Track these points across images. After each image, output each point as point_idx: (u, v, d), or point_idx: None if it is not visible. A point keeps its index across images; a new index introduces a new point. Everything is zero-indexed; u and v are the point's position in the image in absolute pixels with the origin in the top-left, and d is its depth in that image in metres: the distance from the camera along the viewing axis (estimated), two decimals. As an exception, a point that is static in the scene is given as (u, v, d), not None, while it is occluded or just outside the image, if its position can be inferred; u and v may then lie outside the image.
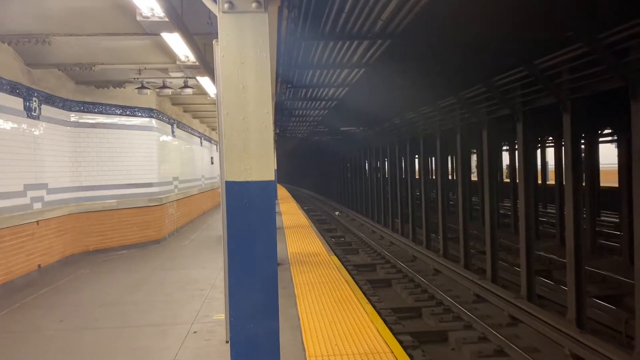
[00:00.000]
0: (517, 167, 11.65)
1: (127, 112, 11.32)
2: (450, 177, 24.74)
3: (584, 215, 12.22)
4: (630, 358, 6.76)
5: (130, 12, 6.10)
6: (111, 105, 11.01)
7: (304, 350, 4.85)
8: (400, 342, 7.05)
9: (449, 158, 25.13)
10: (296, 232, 13.45)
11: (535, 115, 10.11)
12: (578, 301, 8.27)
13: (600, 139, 17.16)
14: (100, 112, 10.83)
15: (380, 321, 5.70)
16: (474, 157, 26.79)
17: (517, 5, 6.10)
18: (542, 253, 13.83)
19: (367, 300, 6.59)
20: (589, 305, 8.82)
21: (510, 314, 9.34)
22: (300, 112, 15.30)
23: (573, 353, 7.46)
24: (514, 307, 9.34)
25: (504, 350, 7.92)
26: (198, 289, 7.49)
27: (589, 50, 6.92)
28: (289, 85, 10.35)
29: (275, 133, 19.78)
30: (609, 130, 17.07)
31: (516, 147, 11.92)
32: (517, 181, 10.41)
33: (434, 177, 23.35)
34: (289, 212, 19.31)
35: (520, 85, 9.26)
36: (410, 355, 7.02)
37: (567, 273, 8.53)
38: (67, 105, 10.01)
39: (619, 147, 14.68)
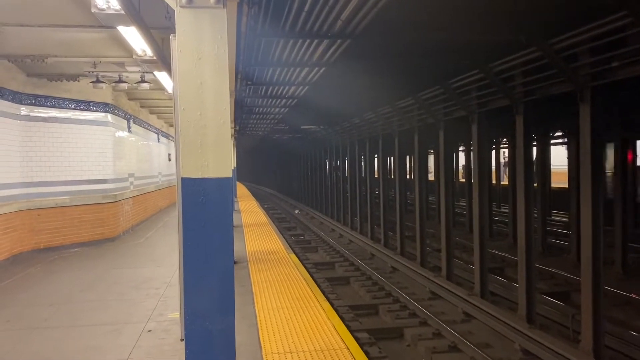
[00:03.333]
0: (472, 168, 11.92)
1: (82, 107, 11.00)
2: (408, 177, 25.11)
3: (535, 215, 12.62)
4: (576, 352, 7.03)
5: (85, 3, 5.94)
6: (64, 99, 10.68)
7: (261, 347, 4.85)
8: (357, 339, 7.14)
9: (407, 158, 25.54)
10: (255, 230, 13.40)
11: (491, 117, 10.38)
12: (528, 298, 8.54)
13: (552, 141, 17.79)
14: (53, 106, 10.50)
15: (337, 318, 5.75)
16: (431, 158, 27.30)
17: (473, 8, 6.25)
18: (495, 251, 14.23)
19: (324, 298, 6.63)
20: (538, 302, 9.13)
21: (464, 310, 9.57)
22: (261, 109, 15.23)
23: (523, 348, 7.71)
24: (467, 303, 9.58)
25: (457, 346, 8.12)
26: (153, 288, 7.37)
27: (541, 55, 7.15)
28: (249, 82, 10.29)
29: (234, 130, 19.61)
30: (560, 133, 17.72)
31: (471, 148, 12.24)
32: (472, 181, 10.65)
33: (392, 177, 23.67)
34: (248, 210, 19.20)
35: (475, 87, 9.49)
36: (366, 352, 7.12)
37: (518, 271, 8.80)
38: (17, 98, 9.66)
39: (568, 149, 15.23)
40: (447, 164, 12.04)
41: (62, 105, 10.64)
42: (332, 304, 7.01)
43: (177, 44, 3.34)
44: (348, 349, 4.76)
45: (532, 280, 8.60)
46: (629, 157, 14.59)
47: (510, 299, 10.48)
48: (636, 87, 9.81)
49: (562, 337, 8.36)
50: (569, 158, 14.84)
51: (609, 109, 11.51)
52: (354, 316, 9.61)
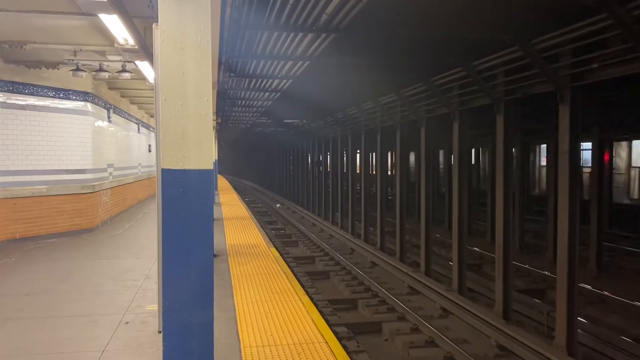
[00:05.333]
0: (452, 166, 11.99)
1: (61, 95, 10.82)
2: (390, 173, 25.21)
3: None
4: (551, 348, 7.15)
5: (66, -11, 5.84)
6: (43, 87, 10.49)
7: (239, 340, 4.84)
8: (336, 333, 7.17)
9: (389, 154, 25.64)
10: (236, 223, 13.35)
11: (472, 115, 10.48)
12: (505, 294, 8.66)
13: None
14: (32, 94, 10.30)
15: (316, 312, 5.77)
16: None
17: (458, 6, 6.29)
18: (476, 249, 14.40)
19: (304, 292, 6.64)
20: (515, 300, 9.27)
21: (442, 306, 9.67)
22: (244, 102, 15.16)
23: (499, 343, 7.81)
24: (445, 299, 9.68)
25: (434, 341, 8.19)
26: (131, 279, 7.30)
27: (523, 55, 7.22)
28: (232, 74, 10.21)
29: (216, 122, 19.48)
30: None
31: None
32: (452, 179, 10.73)
33: (374, 172, 23.76)
34: (229, 203, 19.12)
35: (458, 85, 9.55)
36: (345, 346, 7.16)
37: (496, 268, 8.91)
38: (-7, 84, 9.47)
39: (547, 149, 15.45)
40: (428, 161, 12.10)
41: (41, 93, 10.45)
42: (311, 298, 7.03)
43: (160, 33, 3.30)
44: (326, 342, 4.78)
45: (509, 277, 8.72)
46: (606, 157, 14.84)
47: (487, 295, 10.62)
48: (614, 89, 10.01)
49: (537, 333, 8.51)
50: (547, 158, 15.06)
51: (587, 109, 11.71)
52: (333, 310, 9.64)
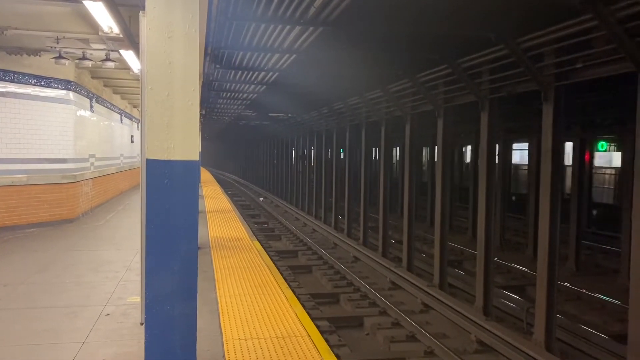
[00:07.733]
0: (435, 163, 12.05)
1: (42, 83, 10.64)
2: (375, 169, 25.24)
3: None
4: (529, 344, 7.24)
5: (50, -25, 5.73)
6: (24, 74, 10.31)
7: (222, 333, 4.83)
8: (318, 327, 7.18)
9: (374, 150, 25.67)
10: (219, 216, 13.29)
11: (457, 112, 10.53)
12: (485, 290, 8.75)
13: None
14: (12, 81, 10.12)
15: (299, 306, 5.77)
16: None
17: (445, 3, 6.30)
18: (457, 245, 14.52)
19: (287, 285, 6.64)
20: (495, 296, 9.37)
21: (423, 301, 9.73)
22: (229, 94, 15.06)
23: (478, 339, 7.89)
24: (426, 294, 9.74)
25: (415, 336, 8.25)
26: (112, 271, 7.23)
27: (508, 53, 7.27)
28: (217, 66, 10.14)
29: (201, 114, 19.33)
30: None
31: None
32: (435, 176, 10.79)
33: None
34: (212, 196, 19.02)
35: (443, 82, 9.58)
36: (326, 340, 7.17)
37: (477, 264, 8.99)
38: (-27, 70, 9.28)
39: (529, 147, 15.60)
40: (412, 158, 12.14)
41: (22, 80, 10.27)
42: (294, 292, 7.03)
43: (147, 21, 3.26)
44: (309, 336, 4.79)
45: (490, 273, 8.80)
46: (586, 157, 15.04)
47: (467, 291, 10.72)
48: (596, 89, 10.14)
49: (517, 329, 8.61)
50: (529, 156, 15.21)
51: (569, 109, 11.84)
52: (315, 304, 9.65)
